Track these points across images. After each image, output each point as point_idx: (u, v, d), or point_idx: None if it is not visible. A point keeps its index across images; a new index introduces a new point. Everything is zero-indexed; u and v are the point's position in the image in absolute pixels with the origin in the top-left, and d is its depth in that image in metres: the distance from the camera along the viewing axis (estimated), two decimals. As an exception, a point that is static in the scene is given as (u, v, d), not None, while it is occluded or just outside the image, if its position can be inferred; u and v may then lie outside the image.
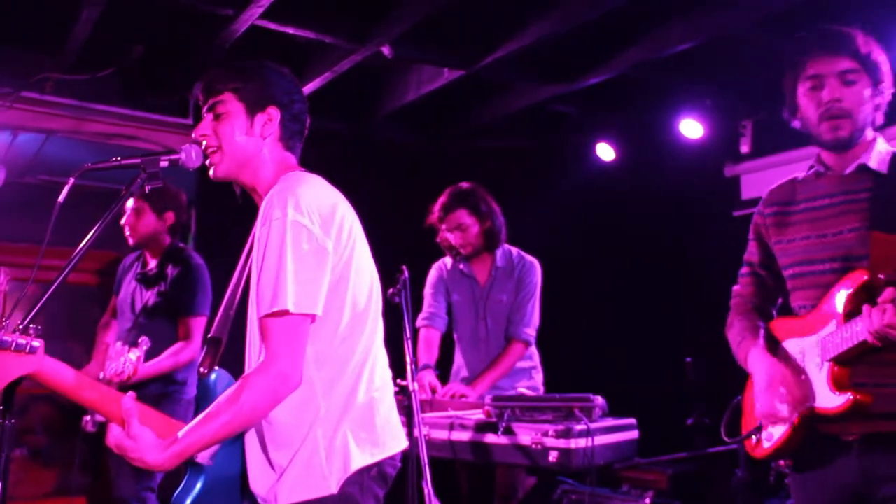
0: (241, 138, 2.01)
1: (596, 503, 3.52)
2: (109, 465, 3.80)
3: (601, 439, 3.15)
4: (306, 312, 1.80)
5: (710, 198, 5.38)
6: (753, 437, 2.26)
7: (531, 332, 3.84)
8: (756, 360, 2.21)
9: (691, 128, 5.12)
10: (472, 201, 3.84)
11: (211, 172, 2.04)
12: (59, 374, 1.83)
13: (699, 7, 4.05)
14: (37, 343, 1.77)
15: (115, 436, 1.75)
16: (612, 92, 5.07)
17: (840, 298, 2.05)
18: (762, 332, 2.29)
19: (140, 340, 3.54)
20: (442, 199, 3.90)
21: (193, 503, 1.90)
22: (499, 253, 3.90)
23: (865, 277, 2.00)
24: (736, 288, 2.46)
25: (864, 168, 2.13)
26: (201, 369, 1.96)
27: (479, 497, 3.75)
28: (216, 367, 1.98)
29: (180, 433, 1.75)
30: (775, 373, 2.14)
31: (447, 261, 4.02)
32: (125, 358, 3.43)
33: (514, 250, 3.96)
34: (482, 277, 3.91)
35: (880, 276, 1.95)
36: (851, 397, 1.97)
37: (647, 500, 3.62)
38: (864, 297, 1.97)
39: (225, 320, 2.00)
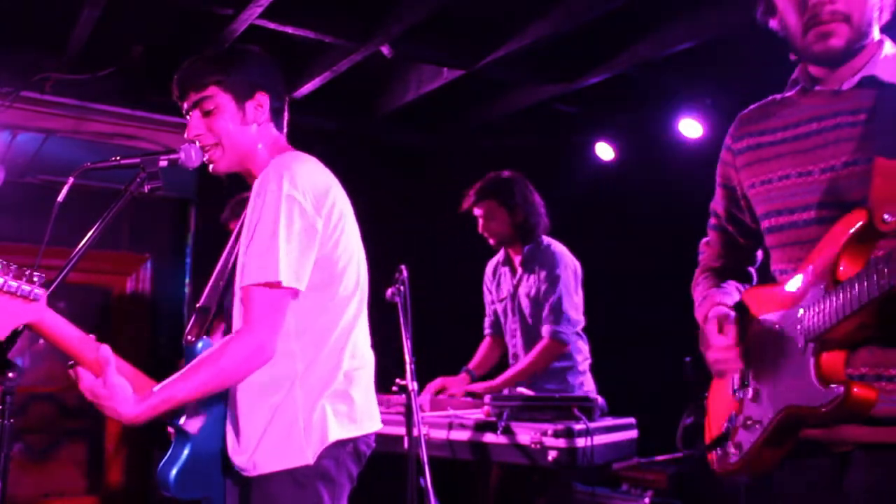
0: (236, 129, 2.01)
1: (595, 503, 3.52)
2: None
3: (600, 439, 3.15)
4: (291, 286, 1.83)
5: (710, 197, 5.38)
6: (718, 447, 1.71)
7: (562, 328, 3.63)
8: (710, 326, 1.72)
9: (691, 127, 5.12)
10: (506, 192, 3.74)
11: (211, 168, 2.05)
12: (59, 326, 1.81)
13: (699, 6, 4.05)
14: (39, 291, 1.77)
15: (89, 382, 1.74)
16: (612, 91, 5.07)
17: (829, 256, 1.47)
18: (729, 295, 1.81)
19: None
20: (477, 185, 3.82)
21: (179, 471, 1.90)
22: (529, 246, 3.78)
23: (863, 220, 1.43)
24: (704, 241, 2.04)
25: (869, 80, 1.59)
26: (189, 337, 1.96)
27: (506, 496, 3.68)
28: (203, 336, 1.99)
29: (155, 389, 1.77)
30: (731, 345, 1.64)
31: (497, 258, 3.95)
32: None
33: (546, 241, 3.80)
34: (516, 272, 3.84)
35: (886, 216, 1.40)
36: (842, 391, 1.39)
37: (647, 500, 3.62)
38: (861, 250, 1.43)
39: (214, 290, 2.02)
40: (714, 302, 1.77)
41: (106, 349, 1.76)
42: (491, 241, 3.82)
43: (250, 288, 1.83)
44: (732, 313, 1.68)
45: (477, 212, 3.80)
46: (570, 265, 3.75)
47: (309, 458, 1.88)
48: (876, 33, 1.64)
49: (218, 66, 2.03)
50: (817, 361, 1.46)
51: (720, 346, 1.66)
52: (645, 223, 5.50)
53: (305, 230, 1.86)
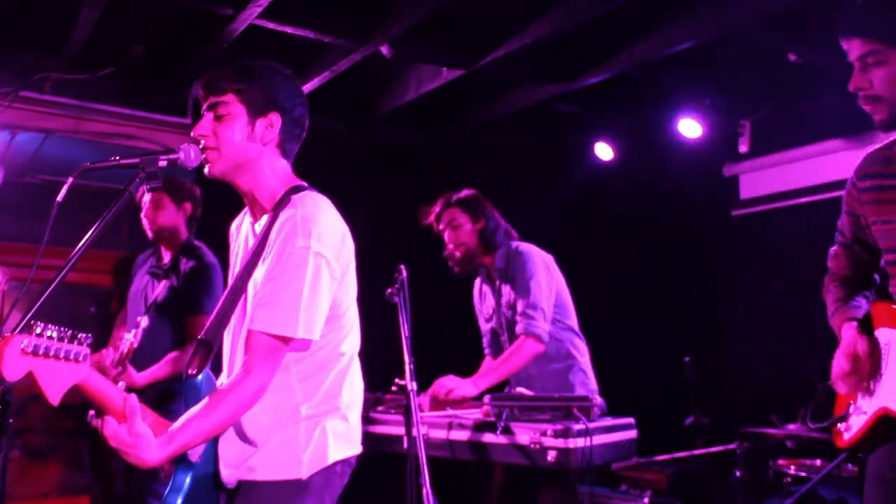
0: (240, 142, 2.01)
1: (595, 502, 3.52)
2: (115, 462, 3.79)
3: (600, 439, 3.15)
4: (303, 338, 1.91)
5: (709, 197, 5.39)
6: (839, 424, 2.12)
7: (537, 325, 3.55)
8: (848, 340, 2.05)
9: (690, 127, 5.12)
10: (465, 200, 3.79)
11: (206, 170, 2.05)
12: (97, 381, 1.87)
13: (698, 7, 4.05)
14: (85, 350, 1.81)
15: (113, 430, 1.78)
16: (611, 91, 5.07)
17: None
18: (860, 309, 2.13)
19: (138, 319, 3.59)
20: (439, 201, 3.87)
21: (184, 501, 1.93)
22: (499, 253, 3.77)
23: None
24: (832, 252, 2.28)
25: None
26: (190, 370, 1.98)
27: (510, 496, 3.66)
28: (204, 370, 2.01)
29: (172, 430, 1.82)
30: (864, 358, 1.99)
31: (479, 278, 3.94)
32: (125, 338, 3.57)
33: (515, 244, 3.77)
34: (495, 285, 3.81)
35: None
36: None
37: (646, 500, 3.63)
38: None
39: (218, 325, 2.02)
40: (846, 317, 2.11)
41: (133, 399, 1.80)
42: (458, 253, 3.77)
43: (261, 334, 1.89)
44: (861, 335, 2.04)
45: (441, 226, 3.81)
46: (539, 262, 3.69)
47: (303, 473, 1.95)
48: None
49: (243, 75, 2.03)
50: None
51: (856, 355, 2.01)
52: (645, 223, 5.51)
53: (328, 285, 1.94)
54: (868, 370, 1.98)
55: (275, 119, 2.04)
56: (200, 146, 2.01)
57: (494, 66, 4.58)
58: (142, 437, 1.77)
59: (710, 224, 5.33)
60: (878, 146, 2.06)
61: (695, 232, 5.28)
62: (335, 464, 2.00)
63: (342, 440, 2.02)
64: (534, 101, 5.20)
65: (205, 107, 2.05)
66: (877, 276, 2.21)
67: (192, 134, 2.04)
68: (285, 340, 1.89)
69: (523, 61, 4.73)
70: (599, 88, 4.90)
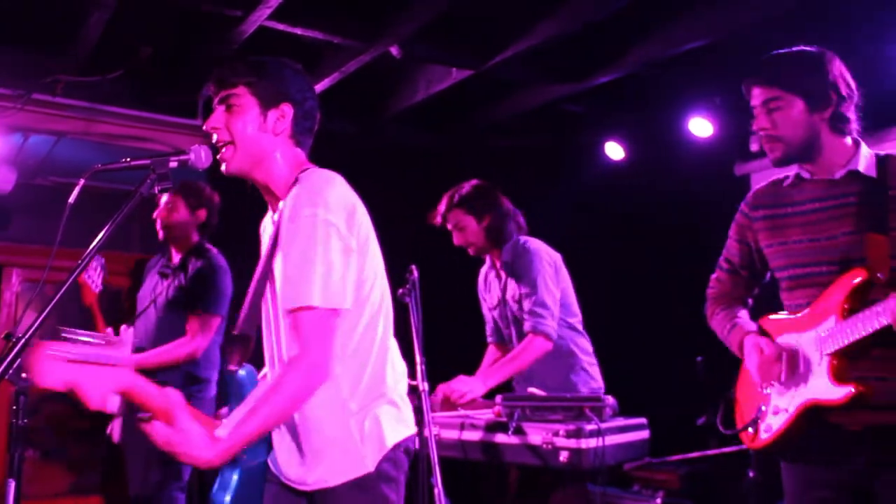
0: (253, 133, 2.01)
1: (607, 503, 3.50)
2: (130, 465, 3.79)
3: (612, 439, 3.14)
4: (334, 307, 1.86)
5: (719, 196, 5.35)
6: (750, 428, 2.31)
7: (546, 323, 3.53)
8: (756, 347, 2.29)
9: (701, 126, 5.10)
10: (468, 200, 3.74)
11: (223, 167, 2.04)
12: (141, 384, 1.79)
13: (708, 5, 4.04)
14: (125, 353, 1.79)
15: (164, 433, 1.71)
16: (621, 91, 5.06)
17: (838, 297, 2.14)
18: (750, 323, 2.40)
19: (95, 258, 3.57)
20: (443, 200, 3.83)
21: (233, 499, 1.92)
22: (506, 247, 3.75)
23: (861, 277, 2.11)
24: (714, 278, 2.57)
25: (854, 173, 2.21)
26: (231, 366, 1.96)
27: (522, 496, 3.65)
28: (245, 364, 2.00)
29: (224, 430, 1.76)
30: (774, 361, 2.24)
31: (486, 266, 3.93)
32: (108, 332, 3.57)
33: (523, 240, 3.74)
34: (501, 277, 3.81)
35: (879, 274, 2.08)
36: (853, 389, 2.06)
37: (659, 500, 3.61)
38: (862, 295, 2.10)
39: (251, 317, 2.01)
40: (744, 331, 2.37)
41: (175, 394, 1.75)
42: (471, 252, 3.81)
43: (295, 314, 1.86)
44: (766, 339, 2.29)
45: (449, 227, 3.80)
46: (546, 259, 3.68)
47: (370, 466, 1.94)
48: (847, 140, 2.24)
49: (254, 68, 2.04)
50: (832, 368, 2.12)
51: (764, 361, 2.26)
52: (655, 222, 5.48)
53: (343, 251, 1.89)
54: (778, 371, 2.23)
55: (287, 110, 2.04)
56: (214, 141, 2.01)
57: (503, 67, 4.58)
58: (191, 433, 1.70)
59: (721, 223, 5.28)
60: (765, 183, 2.41)
61: (705, 231, 5.25)
62: (399, 444, 1.99)
63: (395, 422, 2.00)
64: (543, 101, 5.19)
65: (216, 101, 2.06)
66: (750, 300, 2.53)
67: (203, 128, 2.04)
68: (311, 310, 1.84)
69: (532, 61, 4.73)
70: (609, 88, 4.89)
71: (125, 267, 5.24)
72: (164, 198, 3.86)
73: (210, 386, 3.81)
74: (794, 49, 2.32)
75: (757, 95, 2.33)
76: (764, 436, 2.27)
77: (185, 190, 3.86)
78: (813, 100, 2.22)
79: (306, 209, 1.88)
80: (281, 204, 2.02)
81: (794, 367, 2.22)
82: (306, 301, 1.83)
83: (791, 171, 2.35)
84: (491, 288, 3.89)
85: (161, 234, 3.89)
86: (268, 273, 2.02)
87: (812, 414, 2.15)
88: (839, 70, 2.25)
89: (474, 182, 3.84)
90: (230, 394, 1.95)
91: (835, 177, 2.23)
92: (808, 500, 2.22)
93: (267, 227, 2.18)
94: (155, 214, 3.88)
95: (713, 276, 2.58)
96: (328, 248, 1.86)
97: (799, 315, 2.25)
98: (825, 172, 2.26)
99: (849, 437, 2.13)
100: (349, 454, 1.94)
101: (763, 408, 2.29)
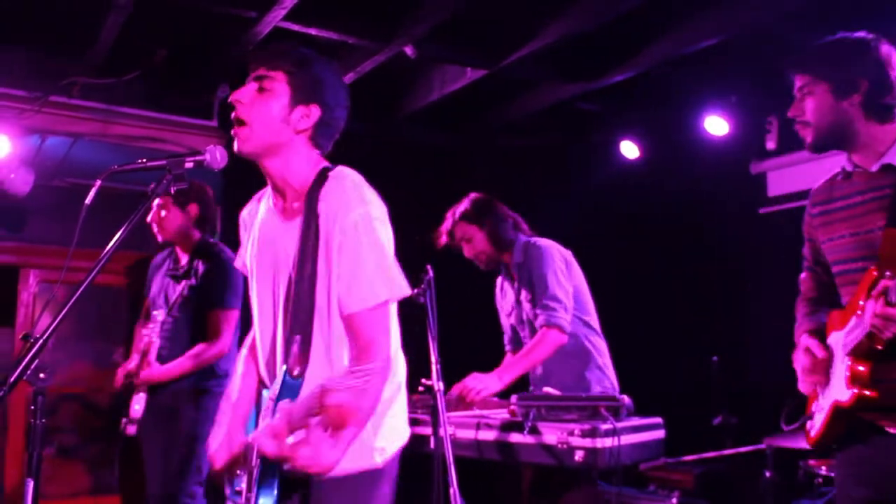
0: (273, 121, 2.00)
1: (622, 503, 3.49)
2: (149, 462, 3.81)
3: (627, 439, 3.13)
4: (401, 295, 1.97)
5: (736, 195, 5.34)
6: (807, 424, 2.33)
7: (558, 316, 3.52)
8: (801, 345, 2.31)
9: (716, 125, 5.07)
10: (467, 211, 3.78)
11: (235, 146, 2.02)
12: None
13: (723, 3, 4.02)
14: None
15: (274, 444, 1.73)
16: (637, 89, 5.04)
17: (860, 295, 2.11)
18: (816, 320, 2.37)
19: (153, 314, 3.62)
20: (444, 221, 3.87)
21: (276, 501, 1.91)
22: (516, 248, 3.76)
23: (874, 274, 2.06)
24: (801, 276, 2.54)
25: (888, 167, 2.17)
26: (294, 372, 1.92)
27: (537, 496, 3.65)
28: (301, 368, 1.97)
29: (330, 443, 1.74)
30: (816, 359, 2.24)
31: (501, 275, 3.94)
32: (142, 335, 3.65)
33: (533, 240, 3.76)
34: (514, 280, 3.81)
35: (887, 272, 2.01)
36: (856, 392, 2.05)
37: (674, 500, 3.59)
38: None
39: (304, 318, 1.97)
40: (804, 329, 2.37)
41: (286, 403, 1.85)
42: (481, 263, 3.82)
43: (363, 313, 1.91)
44: (816, 341, 2.28)
45: (457, 242, 3.83)
46: (557, 256, 3.69)
47: (378, 461, 1.97)
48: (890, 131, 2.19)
49: (297, 59, 2.04)
50: (849, 370, 2.09)
51: (808, 364, 2.27)
52: (671, 221, 5.46)
53: (390, 243, 1.99)
54: (821, 370, 2.23)
55: (314, 111, 2.03)
56: (233, 115, 2.00)
57: (518, 66, 4.57)
58: (318, 440, 1.70)
59: (737, 222, 5.27)
60: (823, 180, 2.40)
61: (722, 230, 5.22)
62: (403, 447, 2.05)
63: (404, 424, 2.07)
64: (558, 100, 5.18)
65: (251, 76, 2.04)
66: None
67: (229, 100, 2.04)
68: (381, 306, 1.92)
69: (546, 60, 4.72)
70: (624, 86, 4.88)
71: (125, 266, 5.28)
72: (156, 201, 3.84)
73: (226, 380, 3.82)
74: (836, 36, 2.27)
75: (795, 82, 2.30)
76: (812, 434, 2.30)
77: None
78: (839, 86, 2.19)
79: (357, 211, 1.93)
80: (296, 203, 2.04)
81: (832, 367, 2.22)
82: (377, 298, 1.91)
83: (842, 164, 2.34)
84: (506, 295, 3.90)
85: (160, 238, 3.90)
86: (311, 273, 1.97)
87: (839, 415, 2.15)
88: (884, 56, 2.19)
89: (471, 196, 3.88)
90: (283, 398, 1.90)
91: (871, 169, 2.20)
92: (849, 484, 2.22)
93: (260, 215, 2.16)
94: (149, 219, 3.87)
95: (801, 274, 2.57)
96: (384, 244, 1.95)
97: (841, 313, 2.24)
98: (868, 163, 2.22)
99: (887, 437, 2.12)
100: (363, 445, 1.93)
101: (815, 405, 2.31)
